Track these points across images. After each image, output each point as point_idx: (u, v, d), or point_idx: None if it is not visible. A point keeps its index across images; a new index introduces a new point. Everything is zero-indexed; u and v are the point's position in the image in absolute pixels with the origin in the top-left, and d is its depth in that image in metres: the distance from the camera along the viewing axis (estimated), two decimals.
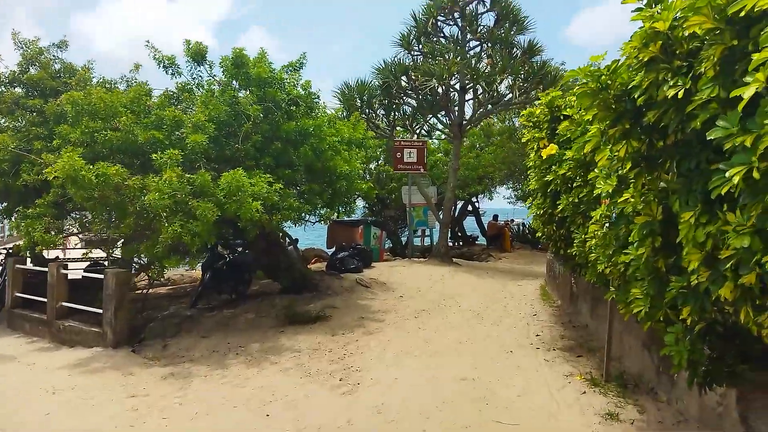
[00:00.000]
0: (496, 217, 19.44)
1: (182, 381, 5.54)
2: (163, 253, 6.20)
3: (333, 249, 12.06)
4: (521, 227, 23.16)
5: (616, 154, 3.11)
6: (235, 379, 5.47)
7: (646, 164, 2.86)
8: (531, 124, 6.90)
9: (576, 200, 5.27)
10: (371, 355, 6.04)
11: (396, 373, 5.40)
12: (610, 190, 3.58)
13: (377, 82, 13.39)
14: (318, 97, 8.40)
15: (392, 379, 5.21)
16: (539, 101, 6.34)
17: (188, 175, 6.28)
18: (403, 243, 18.15)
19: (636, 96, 2.66)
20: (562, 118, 6.18)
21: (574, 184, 5.38)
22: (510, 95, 13.05)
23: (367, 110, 13.80)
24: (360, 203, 20.09)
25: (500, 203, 26.11)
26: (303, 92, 8.44)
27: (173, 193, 6.05)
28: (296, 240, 18.11)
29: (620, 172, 3.32)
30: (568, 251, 6.27)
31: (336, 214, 8.93)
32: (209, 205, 6.06)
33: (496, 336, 6.58)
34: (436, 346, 6.20)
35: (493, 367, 5.42)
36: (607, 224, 4.04)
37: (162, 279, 11.16)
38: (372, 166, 18.75)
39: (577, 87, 2.94)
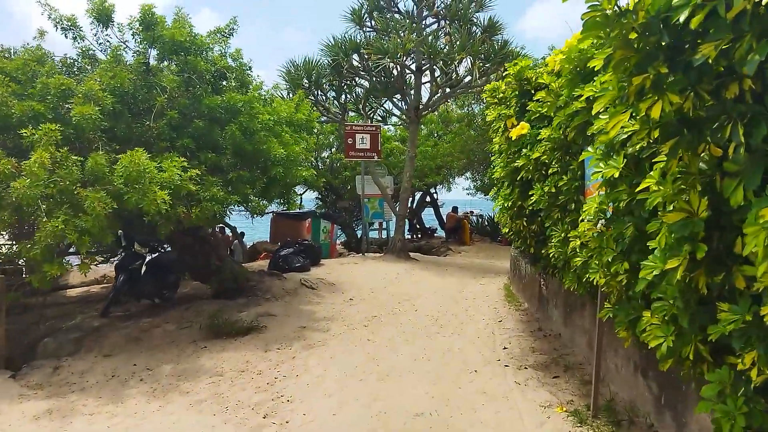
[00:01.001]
0: (455, 209, 18.63)
1: (59, 422, 4.30)
2: (43, 255, 4.89)
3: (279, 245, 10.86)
4: (480, 219, 22.52)
5: (634, 123, 2.13)
6: (127, 419, 4.27)
7: (689, 132, 1.87)
8: (496, 100, 5.94)
9: (553, 190, 4.33)
10: (308, 379, 4.96)
11: (336, 405, 4.33)
12: (615, 175, 2.61)
13: (326, 60, 12.19)
14: (250, 68, 7.19)
15: (330, 416, 4.15)
16: (506, 71, 5.36)
17: (75, 157, 4.98)
18: (359, 237, 17.11)
19: (682, 19, 1.67)
20: (533, 92, 5.24)
21: (550, 171, 4.44)
22: (469, 78, 12.13)
23: (315, 92, 12.60)
24: (312, 195, 18.94)
25: (459, 194, 25.35)
26: (233, 63, 7.20)
27: (53, 180, 4.76)
28: (242, 234, 16.82)
29: (636, 146, 2.34)
30: (542, 251, 5.36)
31: (273, 205, 7.75)
32: (100, 195, 4.80)
33: (458, 350, 5.61)
34: (387, 366, 5.18)
35: (455, 393, 4.43)
36: (601, 222, 3.09)
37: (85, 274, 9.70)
38: (325, 154, 17.58)
39: (585, 15, 1.92)
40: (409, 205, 18.17)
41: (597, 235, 3.00)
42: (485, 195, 21.83)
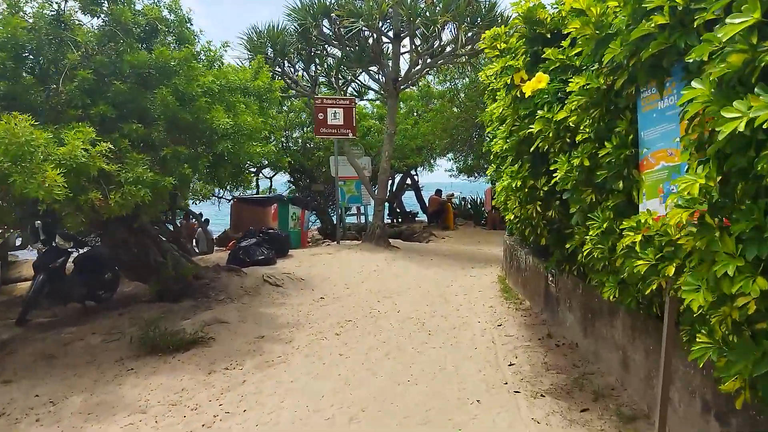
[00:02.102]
0: (438, 191, 17.48)
1: None
2: None
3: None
4: (463, 202, 21.45)
5: None
6: None
7: None
8: (498, 51, 4.72)
9: (586, 163, 3.16)
10: (258, 417, 3.76)
11: None
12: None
13: (293, 27, 10.79)
14: (190, 21, 5.83)
15: None
16: (514, 10, 4.13)
17: None
18: (335, 223, 15.87)
19: None
20: (549, 36, 4.04)
21: (579, 137, 3.28)
22: (453, 46, 10.88)
23: (281, 62, 11.21)
24: (284, 178, 17.57)
25: (440, 177, 24.21)
26: (170, 16, 5.84)
27: None
28: (206, 221, 15.40)
29: None
30: (559, 244, 4.23)
31: (221, 189, 6.45)
32: None
33: (452, 367, 4.47)
34: (363, 395, 4.00)
35: None
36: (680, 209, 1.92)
37: None
38: (296, 134, 16.21)
39: None
40: (389, 188, 17.00)
41: (698, 231, 1.83)
42: (468, 177, 20.76)
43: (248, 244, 8.30)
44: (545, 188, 4.08)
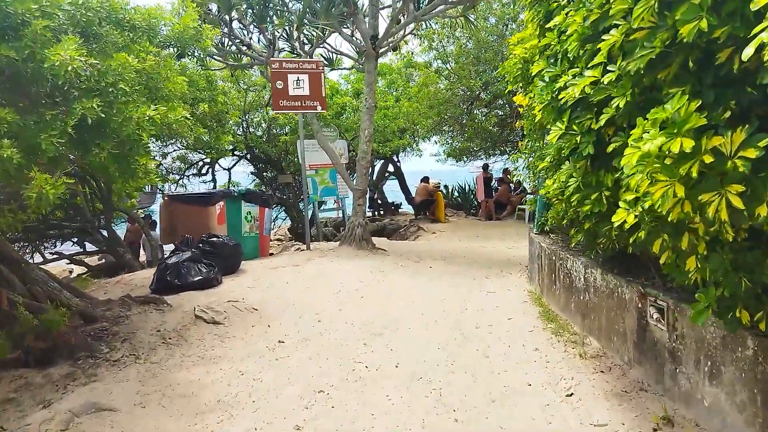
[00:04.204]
0: (426, 179, 15.23)
1: None
2: None
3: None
4: (447, 190, 19.23)
5: None
6: None
7: None
8: None
9: None
10: None
11: None
12: None
13: None
14: None
15: None
16: None
17: None
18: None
19: None
20: None
21: None
22: None
23: (229, 19, 8.76)
24: (245, 169, 15.08)
25: (424, 163, 21.90)
26: None
27: None
28: (153, 223, 12.85)
29: None
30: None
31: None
32: None
33: None
34: None
35: None
36: None
37: None
38: (257, 118, 13.73)
39: None
40: (368, 176, 14.70)
41: None
42: (457, 161, 18.53)
43: (178, 260, 5.92)
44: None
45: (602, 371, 3.65)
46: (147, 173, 3.73)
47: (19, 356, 3.99)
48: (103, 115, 3.13)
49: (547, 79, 3.39)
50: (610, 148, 2.77)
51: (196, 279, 5.87)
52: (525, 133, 6.02)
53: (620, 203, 2.49)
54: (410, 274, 7.01)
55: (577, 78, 2.93)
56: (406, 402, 3.43)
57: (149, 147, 3.74)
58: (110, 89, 3.25)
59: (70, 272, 11.73)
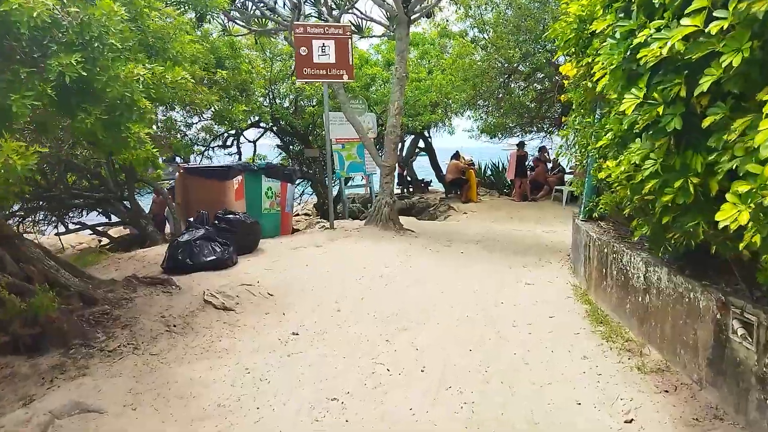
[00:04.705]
0: (458, 154, 14.53)
1: None
2: None
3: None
4: (482, 168, 18.44)
5: None
6: None
7: None
8: None
9: None
10: None
11: None
12: None
13: None
14: None
15: None
16: None
17: None
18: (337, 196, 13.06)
19: None
20: None
21: None
22: None
23: None
24: (272, 141, 14.64)
25: (456, 139, 21.08)
26: None
27: None
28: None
29: None
30: None
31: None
32: None
33: None
34: None
35: None
36: None
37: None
38: (282, 87, 13.21)
39: None
40: (398, 152, 14.15)
41: None
42: (491, 138, 17.69)
43: (191, 238, 5.52)
44: None
45: (666, 391, 3.07)
46: (141, 142, 3.25)
47: (10, 341, 3.65)
48: (84, 74, 2.64)
49: (618, 36, 2.75)
50: (705, 122, 2.15)
51: (209, 259, 5.47)
52: (574, 106, 5.34)
53: (728, 196, 1.88)
54: (439, 259, 6.47)
55: (663, 31, 2.29)
56: (433, 419, 2.93)
57: (149, 112, 3.24)
58: (95, 43, 2.76)
59: (100, 241, 11.57)
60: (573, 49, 4.68)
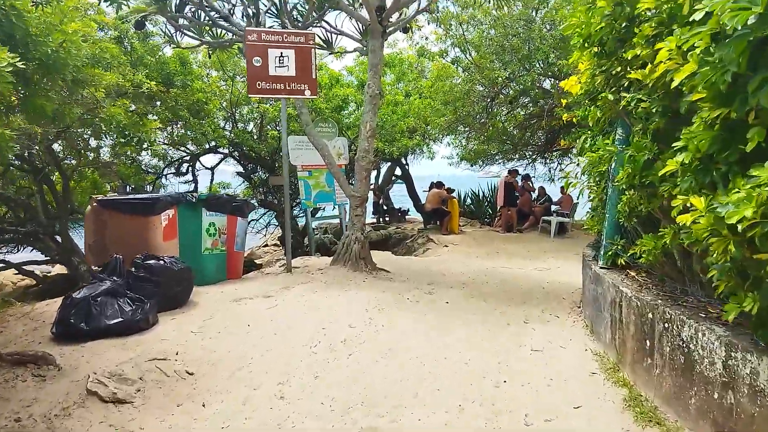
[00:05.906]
0: (439, 183, 13.43)
1: None
2: None
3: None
4: (461, 197, 17.38)
5: None
6: None
7: None
8: None
9: None
10: None
11: None
12: None
13: None
14: None
15: None
16: None
17: None
18: (305, 227, 11.72)
19: None
20: None
21: None
22: None
23: None
24: (231, 167, 13.33)
25: (433, 167, 20.08)
26: None
27: None
28: None
29: None
30: None
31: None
32: None
33: None
34: None
35: None
36: None
37: None
38: (245, 109, 11.98)
39: None
40: (372, 179, 13.00)
41: None
42: (471, 165, 16.69)
43: (89, 294, 4.14)
44: None
45: None
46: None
47: None
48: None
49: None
50: None
51: (112, 322, 4.09)
52: (591, 124, 4.23)
53: None
54: (419, 314, 5.18)
55: None
56: None
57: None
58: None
59: (14, 284, 10.00)
60: (596, 49, 3.58)
